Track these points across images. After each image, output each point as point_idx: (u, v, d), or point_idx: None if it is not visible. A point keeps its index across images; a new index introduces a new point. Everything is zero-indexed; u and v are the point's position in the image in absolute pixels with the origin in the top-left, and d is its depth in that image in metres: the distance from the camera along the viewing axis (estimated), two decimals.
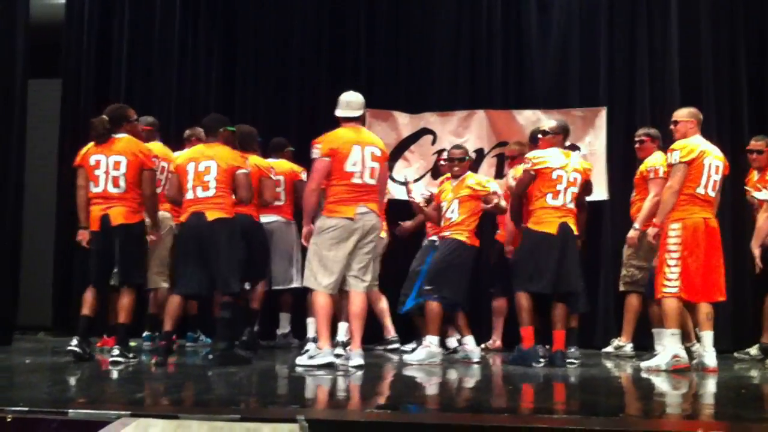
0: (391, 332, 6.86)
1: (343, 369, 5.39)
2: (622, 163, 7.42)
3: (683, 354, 5.54)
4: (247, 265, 6.12)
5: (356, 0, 8.31)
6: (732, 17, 7.74)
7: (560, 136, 6.09)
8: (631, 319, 6.65)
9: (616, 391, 5.15)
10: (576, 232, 5.91)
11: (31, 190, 7.74)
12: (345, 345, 5.90)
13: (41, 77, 8.29)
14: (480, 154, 7.82)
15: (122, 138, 5.81)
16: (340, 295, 5.64)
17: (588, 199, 6.42)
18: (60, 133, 8.45)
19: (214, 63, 8.41)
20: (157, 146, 6.44)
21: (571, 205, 5.92)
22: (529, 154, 6.09)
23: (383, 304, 6.80)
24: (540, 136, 6.16)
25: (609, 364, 6.30)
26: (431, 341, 5.97)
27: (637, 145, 6.65)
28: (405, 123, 8.00)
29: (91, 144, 5.85)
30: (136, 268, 5.81)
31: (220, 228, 5.62)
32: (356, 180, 5.49)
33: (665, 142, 6.21)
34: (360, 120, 5.70)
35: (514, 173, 6.39)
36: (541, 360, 5.81)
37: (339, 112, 5.64)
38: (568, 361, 5.92)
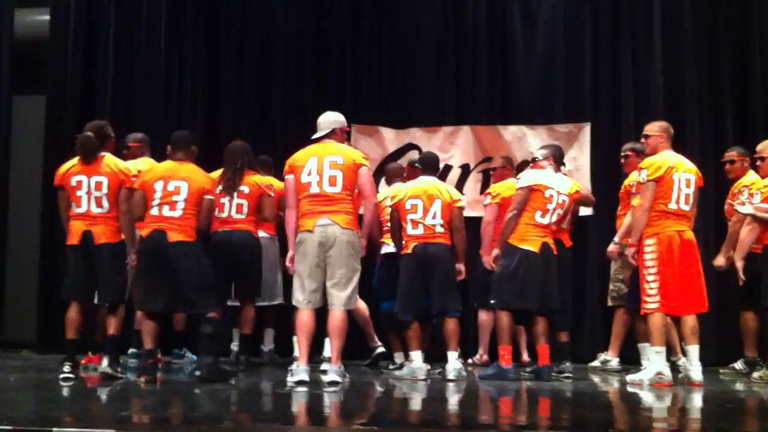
0: (375, 341, 6.83)
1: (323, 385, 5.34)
2: (607, 177, 7.47)
3: (667, 372, 5.56)
4: (237, 284, 6.23)
5: (341, 16, 8.33)
6: (714, 31, 7.82)
7: (549, 159, 6.16)
8: (618, 333, 6.68)
9: (603, 406, 5.16)
10: (555, 252, 5.96)
11: (15, 207, 7.70)
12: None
13: (25, 94, 8.25)
14: (466, 169, 7.86)
15: (104, 156, 5.80)
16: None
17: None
18: (44, 149, 8.38)
19: (200, 79, 8.38)
20: (147, 163, 6.40)
21: (554, 226, 6.00)
22: (521, 174, 6.21)
23: (365, 313, 6.76)
24: (531, 162, 6.32)
25: (596, 379, 6.31)
26: (414, 356, 5.94)
27: (622, 160, 6.70)
28: (391, 138, 8.02)
29: (70, 163, 5.79)
30: (118, 287, 5.79)
31: (182, 251, 5.53)
32: (314, 189, 5.42)
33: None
34: (331, 136, 5.60)
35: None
36: (518, 378, 5.86)
37: (313, 136, 5.65)
38: (564, 375, 5.94)
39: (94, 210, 5.71)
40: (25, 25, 8.23)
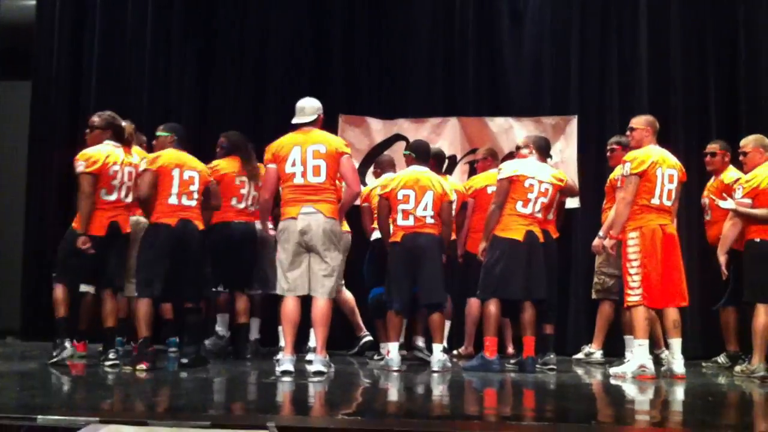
0: (362, 330, 6.86)
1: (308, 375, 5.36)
2: (593, 170, 7.50)
3: (650, 365, 5.60)
4: (238, 275, 6.42)
5: (333, 8, 8.31)
6: (701, 27, 7.85)
7: (529, 150, 6.19)
8: (602, 326, 6.72)
9: (587, 398, 5.20)
10: (542, 240, 5.97)
11: (0, 193, 7.66)
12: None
13: (11, 79, 8.20)
14: (453, 160, 7.87)
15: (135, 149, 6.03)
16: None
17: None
18: (30, 135, 8.35)
19: (187, 67, 8.34)
20: (138, 151, 6.39)
21: (539, 215, 6.00)
22: (502, 165, 6.19)
23: (351, 303, 6.80)
24: (515, 151, 6.34)
25: (579, 371, 6.35)
26: (390, 347, 5.95)
27: (608, 153, 6.73)
28: (378, 129, 8.03)
29: (105, 151, 5.80)
30: (123, 274, 5.94)
31: (202, 239, 5.84)
32: (298, 180, 5.44)
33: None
34: (313, 124, 5.60)
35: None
36: (502, 369, 5.88)
37: (293, 120, 5.62)
38: (548, 367, 5.98)
39: (124, 199, 5.86)
40: (11, 11, 8.16)
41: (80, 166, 5.73)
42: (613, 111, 7.79)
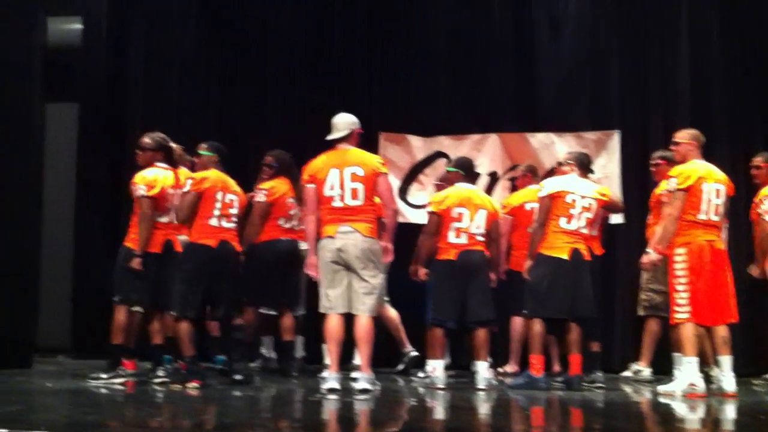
0: (407, 345, 6.86)
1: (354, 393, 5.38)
2: (637, 185, 7.44)
3: (700, 382, 5.53)
4: (285, 293, 6.51)
5: (369, 24, 8.37)
6: (744, 36, 7.76)
7: (570, 166, 6.17)
8: (650, 343, 6.64)
9: (635, 417, 5.14)
10: (588, 258, 5.93)
11: (49, 213, 7.81)
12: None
13: (58, 101, 8.36)
14: (494, 177, 7.86)
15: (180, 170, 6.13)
16: None
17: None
18: (77, 155, 8.52)
19: (229, 87, 8.45)
20: (183, 172, 6.49)
21: (585, 231, 5.96)
22: (543, 182, 6.22)
23: (395, 320, 6.80)
24: (556, 167, 6.36)
25: (627, 389, 6.28)
26: (435, 365, 5.95)
27: (652, 168, 6.68)
28: (419, 146, 8.05)
29: (164, 175, 5.95)
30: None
31: (239, 260, 5.99)
32: (336, 204, 5.46)
33: None
34: (348, 139, 5.60)
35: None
36: (549, 387, 5.84)
37: (328, 137, 5.64)
38: (595, 385, 5.92)
39: (174, 220, 5.97)
40: (57, 34, 8.33)
41: (140, 189, 5.85)
42: (657, 124, 7.72)
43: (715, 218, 5.67)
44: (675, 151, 5.92)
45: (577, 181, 6.07)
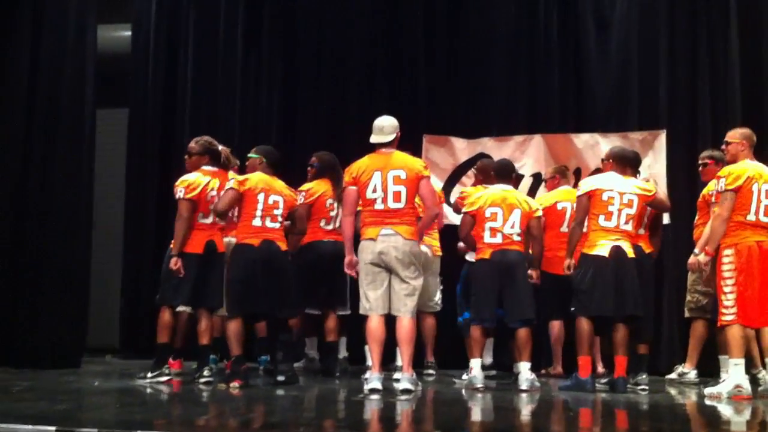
0: (428, 357, 6.86)
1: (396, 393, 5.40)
2: (685, 186, 7.33)
3: (746, 385, 5.43)
4: (328, 294, 6.55)
5: (414, 25, 8.38)
6: None
7: (610, 163, 6.10)
8: (696, 345, 6.54)
9: (681, 419, 5.08)
10: (632, 256, 5.82)
11: (100, 216, 7.98)
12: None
13: (109, 107, 8.55)
14: (537, 178, 7.80)
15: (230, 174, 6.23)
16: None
17: None
18: (127, 160, 8.70)
19: (275, 89, 8.55)
20: (233, 175, 6.58)
21: (627, 227, 5.88)
22: (581, 181, 6.25)
23: (427, 327, 6.81)
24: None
25: (672, 391, 6.20)
26: (473, 365, 5.94)
27: (700, 168, 6.57)
28: (462, 148, 8.02)
29: (201, 177, 6.05)
30: (219, 293, 6.06)
31: (286, 259, 5.99)
32: (378, 206, 5.51)
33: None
34: (392, 144, 5.64)
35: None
36: (595, 389, 5.76)
37: (372, 138, 5.66)
38: (640, 387, 5.82)
39: (215, 222, 6.10)
40: (109, 41, 8.52)
41: (180, 192, 5.97)
42: (705, 124, 7.60)
43: (764, 219, 5.57)
44: (725, 151, 5.83)
45: (614, 178, 5.99)
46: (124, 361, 7.86)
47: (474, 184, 7.06)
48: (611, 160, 6.11)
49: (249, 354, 6.38)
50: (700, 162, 6.60)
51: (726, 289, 5.50)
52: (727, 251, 5.52)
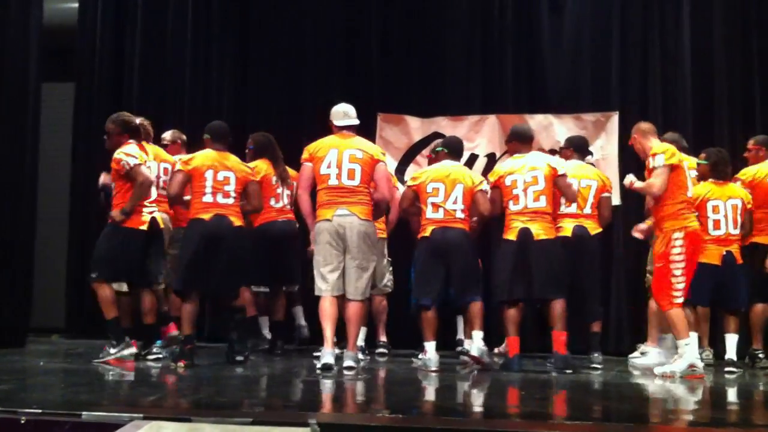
0: (380, 336, 6.89)
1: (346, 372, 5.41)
2: (636, 167, 7.34)
3: (700, 364, 5.53)
4: (282, 271, 6.53)
5: (368, 5, 8.32)
6: (746, 16, 7.69)
7: (513, 143, 6.14)
8: (654, 322, 6.59)
9: (630, 397, 5.12)
10: (541, 236, 5.76)
11: (45, 193, 7.78)
12: (361, 349, 6.11)
13: (54, 81, 8.33)
14: (491, 158, 7.82)
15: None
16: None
17: None
18: (73, 135, 8.49)
19: (227, 66, 8.43)
20: (153, 148, 6.49)
21: (536, 205, 5.83)
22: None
23: (379, 307, 6.82)
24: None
25: (630, 371, 6.18)
26: (427, 347, 5.88)
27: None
28: (416, 127, 8.00)
29: (136, 151, 5.97)
30: (160, 270, 6.09)
31: (242, 235, 5.86)
32: (332, 182, 5.55)
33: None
34: (355, 128, 5.76)
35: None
36: (519, 368, 5.78)
37: (339, 122, 5.72)
38: (592, 366, 5.86)
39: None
40: (54, 14, 8.28)
41: (130, 160, 5.85)
42: (656, 104, 7.68)
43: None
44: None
45: (514, 160, 6.02)
46: (69, 340, 7.71)
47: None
48: (510, 141, 6.19)
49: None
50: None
51: (677, 273, 5.56)
52: (677, 234, 5.57)
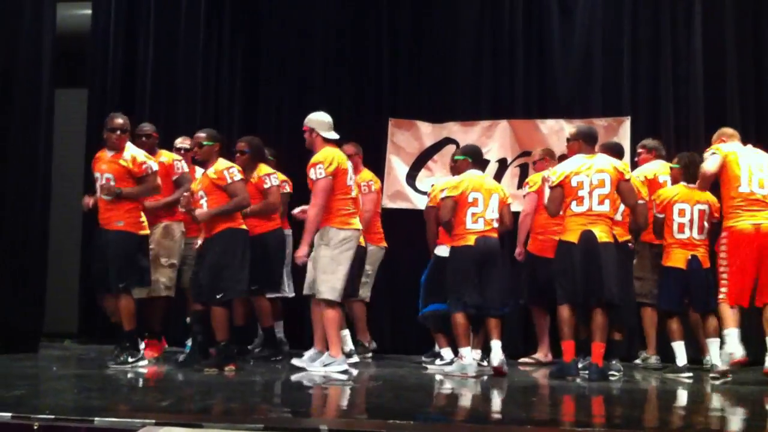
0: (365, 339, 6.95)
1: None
2: None
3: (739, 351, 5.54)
4: (265, 278, 6.44)
5: (379, 9, 8.33)
6: (756, 21, 7.67)
7: (578, 142, 6.00)
8: (649, 331, 6.54)
9: (640, 404, 5.10)
10: (604, 240, 5.64)
11: (58, 199, 7.82)
12: (348, 354, 6.16)
13: (67, 86, 8.37)
14: (503, 163, 7.80)
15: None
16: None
17: None
18: (86, 141, 8.53)
19: (238, 71, 8.45)
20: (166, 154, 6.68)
21: (600, 208, 5.74)
22: (546, 172, 6.21)
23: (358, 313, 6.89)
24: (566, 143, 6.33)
25: (638, 377, 6.19)
26: (463, 353, 5.87)
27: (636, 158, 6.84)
28: (428, 132, 7.99)
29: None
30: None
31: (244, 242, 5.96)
32: (353, 194, 5.90)
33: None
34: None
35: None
36: (578, 373, 5.69)
37: (330, 135, 5.92)
38: (610, 373, 5.75)
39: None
40: (67, 20, 8.33)
41: (154, 165, 6.04)
42: (668, 108, 7.66)
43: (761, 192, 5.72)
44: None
45: (580, 159, 5.91)
46: (82, 345, 7.74)
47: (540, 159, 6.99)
48: (575, 140, 6.03)
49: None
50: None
51: (721, 270, 5.67)
52: (723, 234, 5.69)
